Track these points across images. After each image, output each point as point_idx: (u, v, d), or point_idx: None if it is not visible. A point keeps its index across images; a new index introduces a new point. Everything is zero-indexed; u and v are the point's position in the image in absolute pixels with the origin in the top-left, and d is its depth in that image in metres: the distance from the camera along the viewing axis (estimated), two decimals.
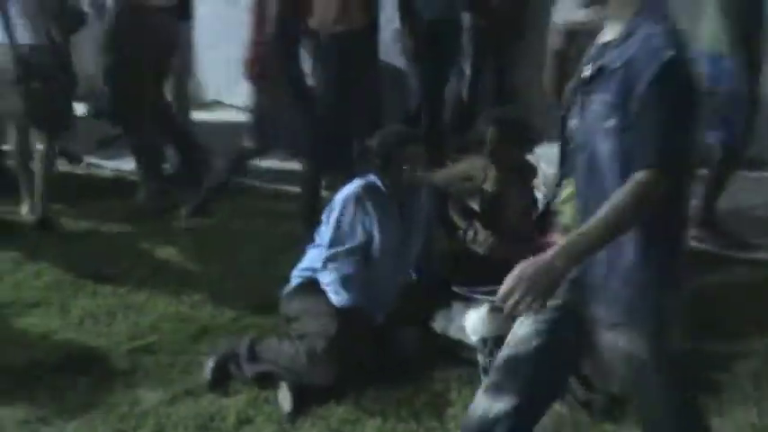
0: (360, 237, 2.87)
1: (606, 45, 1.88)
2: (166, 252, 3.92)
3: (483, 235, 3.18)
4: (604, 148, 1.83)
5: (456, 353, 2.96)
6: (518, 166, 3.33)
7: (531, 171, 3.37)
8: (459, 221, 3.44)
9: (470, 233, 3.23)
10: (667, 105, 1.74)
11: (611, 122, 1.80)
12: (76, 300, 3.44)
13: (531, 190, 3.36)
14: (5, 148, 4.67)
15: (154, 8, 4.28)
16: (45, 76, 4.06)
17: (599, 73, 1.85)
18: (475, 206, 3.46)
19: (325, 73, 4.06)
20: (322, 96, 4.08)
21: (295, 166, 5.00)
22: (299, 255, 3.11)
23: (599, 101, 1.84)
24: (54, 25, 4.09)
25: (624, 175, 1.76)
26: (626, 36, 1.84)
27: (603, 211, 1.71)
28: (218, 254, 3.87)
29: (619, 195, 1.72)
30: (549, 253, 1.68)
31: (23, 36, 3.98)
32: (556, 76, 4.82)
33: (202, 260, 3.83)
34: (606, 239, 1.73)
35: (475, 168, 3.52)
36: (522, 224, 3.18)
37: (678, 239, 1.91)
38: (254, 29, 4.07)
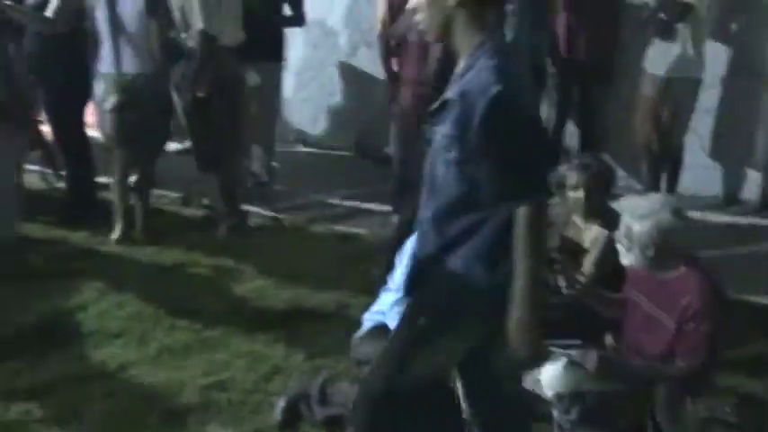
0: None
1: (454, 77, 1.94)
2: (244, 289, 3.95)
3: (566, 279, 3.09)
4: (445, 176, 1.92)
5: (530, 406, 2.86)
6: (601, 213, 3.24)
7: (614, 220, 3.26)
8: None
9: (551, 280, 3.13)
10: (507, 140, 1.82)
11: (452, 154, 1.87)
12: (155, 333, 3.50)
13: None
14: (101, 180, 4.85)
15: (224, 49, 4.37)
16: (145, 105, 4.29)
17: (442, 105, 1.89)
18: (554, 254, 3.38)
19: None
20: None
21: (371, 206, 5.07)
22: (371, 298, 3.08)
23: (441, 132, 1.90)
24: (158, 55, 4.32)
25: (462, 203, 1.89)
26: (466, 69, 1.87)
27: (519, 257, 1.85)
28: (293, 295, 3.88)
29: (518, 239, 1.85)
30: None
31: (129, 64, 4.22)
32: (648, 124, 4.73)
33: (278, 300, 3.84)
34: (535, 275, 1.87)
35: (557, 215, 3.44)
36: (602, 278, 3.08)
37: (498, 260, 1.94)
38: (414, 72, 4.10)
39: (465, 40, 1.89)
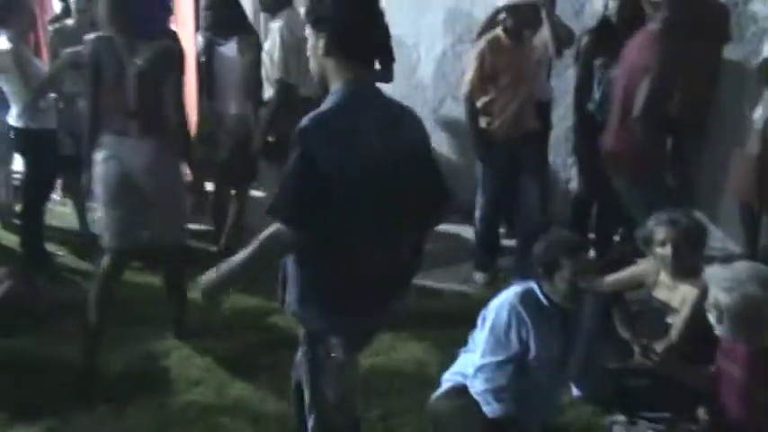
0: (515, 347, 2.72)
1: None
2: None
3: (655, 348, 2.96)
4: None
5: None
6: (692, 273, 3.10)
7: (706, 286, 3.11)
8: (625, 333, 3.23)
9: (639, 346, 3.01)
10: (289, 167, 2.11)
11: None
12: (234, 381, 3.54)
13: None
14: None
15: (302, 98, 4.48)
16: (239, 142, 4.70)
17: None
18: (643, 318, 3.26)
19: None
20: None
21: (457, 261, 5.02)
22: (452, 357, 3.02)
23: None
24: (250, 99, 4.70)
25: None
26: None
27: (252, 244, 2.19)
28: (371, 350, 3.84)
29: (262, 236, 2.17)
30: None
31: (227, 105, 4.70)
32: (750, 183, 4.52)
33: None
34: (247, 268, 2.21)
35: (646, 274, 3.32)
36: (694, 342, 2.93)
37: (339, 290, 2.22)
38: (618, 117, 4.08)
39: (333, 84, 2.22)
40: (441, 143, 6.23)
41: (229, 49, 4.63)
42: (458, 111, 6.03)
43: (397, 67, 5.70)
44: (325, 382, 2.33)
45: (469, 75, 4.50)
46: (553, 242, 2.81)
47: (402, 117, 2.31)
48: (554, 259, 2.73)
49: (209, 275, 2.24)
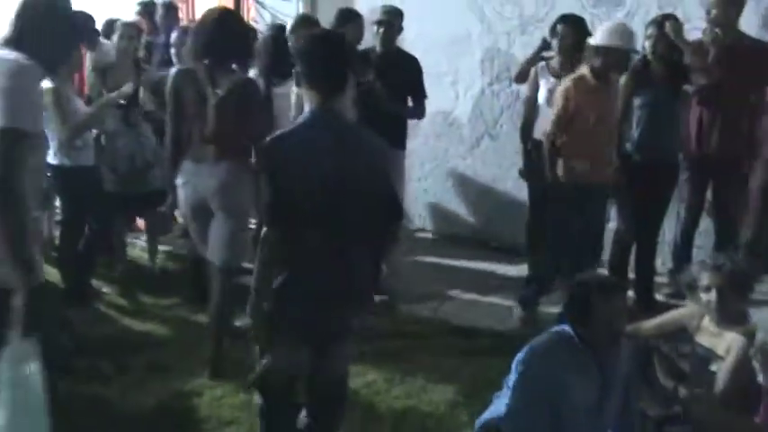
0: (548, 393, 2.65)
1: None
2: (356, 383, 3.88)
3: (695, 396, 2.86)
4: None
5: None
6: (738, 319, 3.00)
7: (753, 328, 3.00)
8: (666, 381, 3.13)
9: (681, 394, 2.91)
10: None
11: None
12: None
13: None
14: None
15: None
16: None
17: None
18: (685, 364, 3.15)
19: None
20: None
21: (493, 299, 4.96)
22: (486, 400, 2.97)
23: None
24: None
25: None
26: None
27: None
28: (403, 392, 3.80)
29: None
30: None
31: None
32: None
33: (389, 396, 3.76)
34: (262, 278, 2.57)
35: (688, 318, 3.22)
36: (739, 391, 2.82)
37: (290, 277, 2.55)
38: None
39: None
40: (478, 181, 6.22)
41: (285, 89, 4.69)
42: (494, 149, 6.03)
43: (434, 106, 5.75)
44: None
45: (554, 114, 4.35)
46: (586, 283, 2.75)
47: (360, 141, 2.62)
48: (587, 300, 2.67)
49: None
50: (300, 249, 2.53)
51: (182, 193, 3.85)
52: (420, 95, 5.09)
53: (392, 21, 4.94)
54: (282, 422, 2.80)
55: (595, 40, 4.30)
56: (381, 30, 4.91)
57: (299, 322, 2.59)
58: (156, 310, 4.76)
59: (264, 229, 2.55)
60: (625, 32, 4.29)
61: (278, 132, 2.66)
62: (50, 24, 2.50)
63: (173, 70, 3.91)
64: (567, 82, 4.35)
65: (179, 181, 3.83)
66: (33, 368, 2.29)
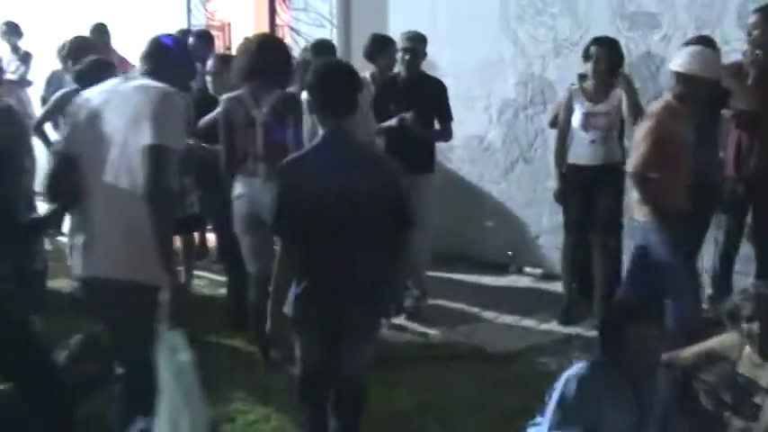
0: (584, 423, 2.59)
1: None
2: (388, 410, 3.85)
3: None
4: None
5: None
6: None
7: None
8: (709, 407, 3.04)
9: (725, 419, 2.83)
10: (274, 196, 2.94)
11: None
12: None
13: None
14: None
15: None
16: None
17: None
18: (727, 394, 3.06)
19: None
20: None
21: (529, 323, 4.90)
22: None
23: None
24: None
25: None
26: None
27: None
28: (437, 418, 3.75)
29: None
30: None
31: None
32: None
33: (421, 424, 3.72)
34: (278, 288, 2.92)
35: (728, 347, 3.13)
36: None
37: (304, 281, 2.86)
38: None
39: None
40: (512, 206, 6.17)
41: None
42: (529, 173, 5.99)
43: (468, 130, 5.76)
44: None
45: (644, 148, 3.94)
46: (620, 307, 2.70)
47: (371, 162, 2.95)
48: (621, 326, 2.61)
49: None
50: (315, 260, 2.82)
51: (236, 207, 4.08)
52: (446, 118, 5.13)
53: (416, 47, 5.00)
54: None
55: (677, 66, 3.99)
56: (407, 56, 4.97)
57: (317, 323, 2.88)
58: (189, 334, 4.77)
59: (281, 243, 2.92)
60: (710, 60, 4.02)
61: (294, 155, 3.01)
62: (181, 57, 3.05)
63: (223, 97, 4.19)
64: (652, 114, 4.03)
65: (234, 194, 4.08)
66: (185, 356, 2.63)
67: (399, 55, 5.01)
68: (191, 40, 5.71)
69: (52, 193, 2.95)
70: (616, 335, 2.63)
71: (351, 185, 2.75)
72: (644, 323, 2.62)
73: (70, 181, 2.83)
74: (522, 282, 5.80)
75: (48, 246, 5.50)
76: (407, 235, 2.95)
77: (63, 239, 6.32)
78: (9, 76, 6.47)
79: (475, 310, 5.18)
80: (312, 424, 3.07)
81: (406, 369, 4.24)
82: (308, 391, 3.04)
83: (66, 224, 3.22)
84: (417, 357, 4.44)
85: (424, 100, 4.99)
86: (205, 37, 6.06)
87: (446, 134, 5.22)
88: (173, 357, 2.59)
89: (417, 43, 5.03)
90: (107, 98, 2.80)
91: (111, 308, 2.82)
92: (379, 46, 5.04)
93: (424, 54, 5.11)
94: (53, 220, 3.28)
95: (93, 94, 2.88)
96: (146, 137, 2.60)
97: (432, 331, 4.82)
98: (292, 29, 7.05)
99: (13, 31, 7.47)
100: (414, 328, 4.88)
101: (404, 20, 5.95)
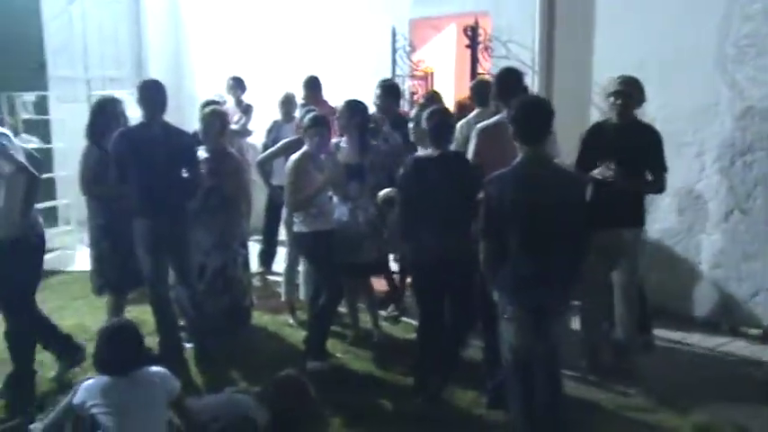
0: None
1: None
2: None
3: None
4: None
5: None
6: None
7: None
8: None
9: None
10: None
11: None
12: None
13: None
14: None
15: None
16: None
17: None
18: None
19: None
20: None
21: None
22: None
23: None
24: None
25: None
26: None
27: None
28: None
29: None
30: None
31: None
32: None
33: None
34: None
35: None
36: None
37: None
38: None
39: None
40: (725, 261, 5.73)
41: None
42: (746, 225, 5.53)
43: (677, 179, 5.41)
44: None
45: None
46: None
47: (563, 176, 3.59)
48: None
49: None
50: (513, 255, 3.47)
51: None
52: (660, 168, 4.76)
53: (629, 91, 4.67)
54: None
55: None
56: (618, 101, 4.66)
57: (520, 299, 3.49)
58: (379, 375, 4.89)
59: (484, 242, 3.53)
60: None
61: (498, 172, 3.50)
62: None
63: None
64: None
65: None
66: None
67: (611, 100, 4.71)
68: (377, 91, 5.92)
69: None
70: None
71: (545, 197, 3.37)
72: None
73: None
74: (736, 345, 5.31)
75: None
76: (582, 260, 3.56)
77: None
78: (232, 127, 7.04)
79: (680, 370, 4.83)
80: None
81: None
82: (518, 368, 3.54)
83: None
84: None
85: (636, 148, 4.64)
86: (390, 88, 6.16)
87: (659, 186, 4.83)
88: None
89: (631, 87, 4.66)
90: None
91: None
92: None
93: (641, 100, 4.76)
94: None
95: None
96: None
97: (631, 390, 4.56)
98: (493, 76, 7.08)
99: (238, 85, 8.15)
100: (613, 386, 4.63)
101: (609, 66, 5.78)
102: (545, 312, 3.45)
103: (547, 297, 3.44)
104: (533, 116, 3.47)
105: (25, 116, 7.53)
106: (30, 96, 7.61)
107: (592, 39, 6.33)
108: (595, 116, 5.95)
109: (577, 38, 6.45)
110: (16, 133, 7.48)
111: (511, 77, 4.72)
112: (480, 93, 5.62)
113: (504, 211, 3.39)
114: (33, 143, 7.67)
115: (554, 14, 6.67)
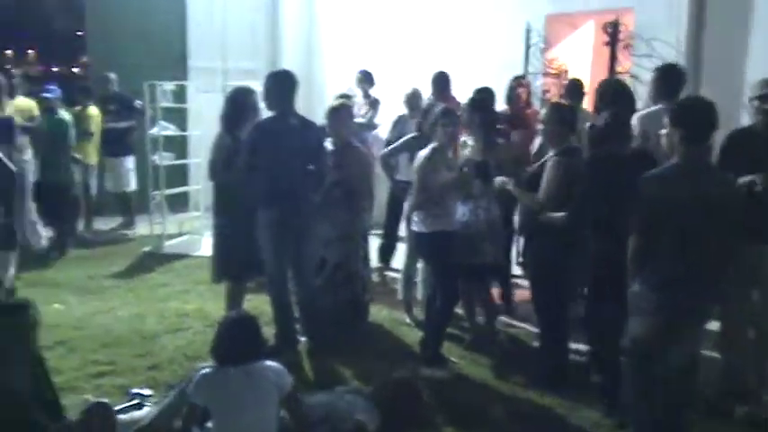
0: None
1: None
2: None
3: None
4: None
5: None
6: None
7: None
8: None
9: None
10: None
11: None
12: None
13: None
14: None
15: None
16: None
17: None
18: None
19: None
20: None
21: None
22: None
23: None
24: None
25: None
26: None
27: None
28: None
29: None
30: None
31: None
32: None
33: None
34: None
35: None
36: None
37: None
38: None
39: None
40: None
41: None
42: None
43: None
44: None
45: None
46: None
47: (718, 179, 3.50)
48: None
49: None
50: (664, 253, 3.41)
51: None
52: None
53: None
54: None
55: None
56: (765, 106, 4.21)
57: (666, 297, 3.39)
58: (494, 385, 4.69)
59: (634, 235, 3.46)
60: None
61: (652, 172, 3.47)
62: None
63: None
64: None
65: None
66: None
67: (756, 104, 4.28)
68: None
69: None
70: None
71: (706, 198, 3.35)
72: None
73: None
74: None
75: None
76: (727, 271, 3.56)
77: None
78: (359, 119, 7.03)
79: None
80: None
81: None
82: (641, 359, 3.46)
83: None
84: None
85: None
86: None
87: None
88: None
89: None
90: None
91: None
92: None
93: None
94: None
95: None
96: None
97: None
98: (633, 76, 6.69)
99: (367, 79, 8.16)
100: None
101: (766, 67, 5.31)
102: (689, 313, 3.41)
103: (693, 297, 3.36)
104: (703, 116, 3.44)
105: (164, 104, 7.81)
106: (170, 86, 7.89)
107: (747, 38, 5.87)
108: (746, 121, 5.48)
109: (730, 37, 5.99)
110: (154, 120, 7.83)
111: (674, 74, 4.68)
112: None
113: (662, 209, 3.37)
114: (170, 130, 7.99)
115: (704, 12, 6.24)
